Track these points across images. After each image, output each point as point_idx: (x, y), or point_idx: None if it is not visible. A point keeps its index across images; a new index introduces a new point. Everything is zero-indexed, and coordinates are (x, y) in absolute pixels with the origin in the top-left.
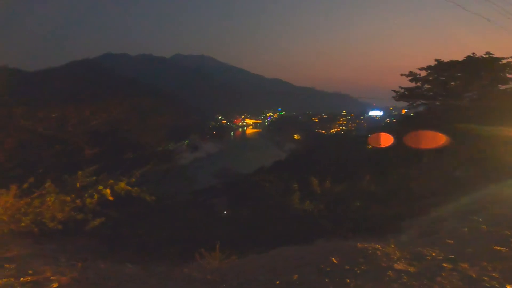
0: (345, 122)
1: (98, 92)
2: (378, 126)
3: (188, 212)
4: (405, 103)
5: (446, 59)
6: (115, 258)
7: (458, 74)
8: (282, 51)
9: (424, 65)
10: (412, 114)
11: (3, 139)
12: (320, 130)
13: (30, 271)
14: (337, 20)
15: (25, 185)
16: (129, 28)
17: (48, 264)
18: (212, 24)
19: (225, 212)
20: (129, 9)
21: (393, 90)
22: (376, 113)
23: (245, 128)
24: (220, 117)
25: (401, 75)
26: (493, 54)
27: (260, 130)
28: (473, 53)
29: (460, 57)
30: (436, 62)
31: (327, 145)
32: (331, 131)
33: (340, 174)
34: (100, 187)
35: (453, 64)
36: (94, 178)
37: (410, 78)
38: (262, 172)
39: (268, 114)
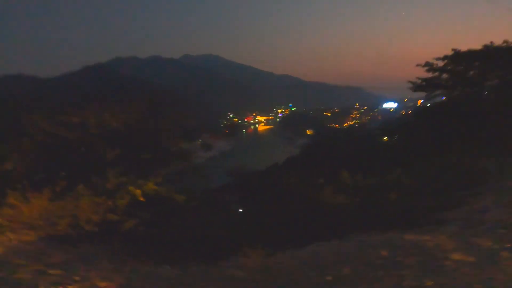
0: (358, 115)
1: (114, 95)
2: (394, 118)
3: (212, 211)
4: (421, 94)
5: (458, 49)
6: (151, 259)
7: (476, 63)
8: (291, 47)
9: (437, 55)
10: (429, 105)
11: (26, 144)
12: (333, 125)
13: (76, 278)
14: (346, 13)
15: (57, 188)
16: (136, 31)
17: (92, 270)
18: (219, 23)
19: (240, 210)
20: (135, 12)
21: (410, 81)
22: (390, 105)
23: (256, 125)
24: (231, 115)
25: (417, 65)
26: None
27: (272, 126)
28: (491, 42)
29: (475, 47)
30: (452, 52)
31: (342, 139)
32: (345, 125)
33: (364, 167)
34: (131, 188)
35: (470, 53)
36: (125, 179)
37: (426, 68)
38: (280, 168)
39: (279, 111)
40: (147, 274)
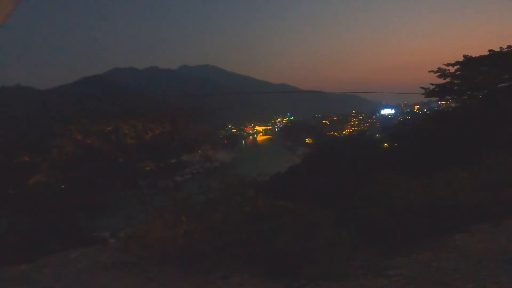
0: (356, 122)
1: (123, 106)
2: (392, 124)
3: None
4: (417, 100)
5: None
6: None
7: (486, 69)
8: (288, 56)
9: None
10: (442, 109)
11: (56, 155)
12: (332, 133)
13: None
14: (339, 22)
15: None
16: (134, 43)
17: None
18: (217, 34)
19: None
20: (133, 24)
21: (422, 87)
22: (388, 111)
23: (255, 136)
24: (230, 126)
25: (429, 71)
26: None
27: (271, 136)
28: (501, 47)
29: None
30: (464, 58)
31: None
32: (344, 132)
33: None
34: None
35: (482, 59)
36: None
37: (438, 74)
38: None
39: (277, 120)
40: None
